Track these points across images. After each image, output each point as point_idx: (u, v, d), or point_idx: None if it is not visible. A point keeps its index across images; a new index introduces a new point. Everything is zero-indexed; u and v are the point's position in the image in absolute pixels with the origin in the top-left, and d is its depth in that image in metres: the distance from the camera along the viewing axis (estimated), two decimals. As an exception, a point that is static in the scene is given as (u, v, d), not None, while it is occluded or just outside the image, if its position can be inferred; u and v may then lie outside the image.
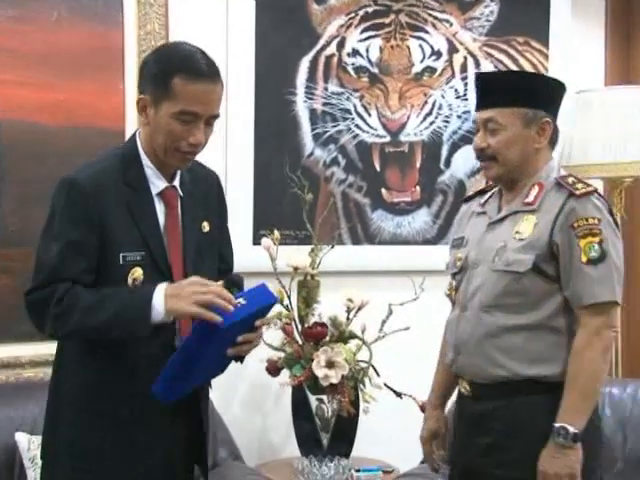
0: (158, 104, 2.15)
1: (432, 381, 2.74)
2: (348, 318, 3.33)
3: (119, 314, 2.08)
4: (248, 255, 3.45)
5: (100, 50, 3.30)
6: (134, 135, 2.27)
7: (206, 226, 2.33)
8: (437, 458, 2.69)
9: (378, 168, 3.78)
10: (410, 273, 3.45)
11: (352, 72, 3.72)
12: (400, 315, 3.33)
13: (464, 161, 3.89)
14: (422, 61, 3.83)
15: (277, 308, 3.30)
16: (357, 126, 3.73)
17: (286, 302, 3.32)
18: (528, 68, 3.96)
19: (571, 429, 2.32)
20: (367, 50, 3.73)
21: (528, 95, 2.47)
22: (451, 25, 3.87)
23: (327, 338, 3.29)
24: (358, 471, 3.25)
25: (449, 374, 2.65)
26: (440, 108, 3.84)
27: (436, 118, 3.83)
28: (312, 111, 3.66)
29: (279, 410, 3.57)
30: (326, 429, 3.32)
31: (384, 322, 3.35)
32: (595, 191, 2.43)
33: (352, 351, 3.28)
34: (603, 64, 4.19)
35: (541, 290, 2.41)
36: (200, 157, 3.31)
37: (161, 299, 2.07)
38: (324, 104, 3.67)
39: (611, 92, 3.82)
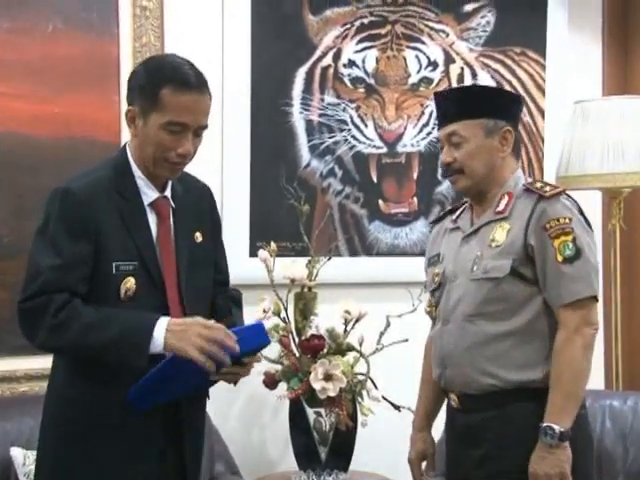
0: (147, 115, 2.16)
1: (416, 403, 2.77)
2: (346, 330, 3.31)
3: (117, 339, 2.07)
4: (245, 267, 3.45)
5: (95, 62, 3.29)
6: (124, 146, 2.27)
7: (199, 237, 2.32)
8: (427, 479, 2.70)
9: (375, 179, 3.78)
10: (408, 285, 3.42)
11: (348, 83, 3.71)
12: (398, 327, 3.32)
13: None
14: (418, 72, 3.82)
15: (274, 320, 3.29)
16: (354, 137, 3.72)
17: (283, 314, 3.30)
18: (525, 78, 3.96)
19: (557, 428, 2.34)
20: (363, 61, 3.73)
21: (486, 106, 2.53)
22: (447, 36, 3.86)
23: (324, 350, 3.27)
24: (357, 485, 3.24)
25: (433, 393, 2.69)
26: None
27: (433, 129, 3.81)
28: (308, 122, 3.65)
29: (276, 423, 3.54)
30: (324, 443, 3.30)
31: (382, 334, 3.34)
32: (563, 191, 2.48)
33: (350, 364, 3.27)
34: (601, 74, 4.18)
35: (521, 294, 2.44)
36: (196, 168, 3.31)
37: (162, 332, 2.06)
38: (320, 115, 3.67)
39: (609, 102, 3.81)
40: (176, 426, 2.22)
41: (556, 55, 4.00)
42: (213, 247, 2.40)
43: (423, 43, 3.82)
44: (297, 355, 3.28)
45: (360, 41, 3.72)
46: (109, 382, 2.14)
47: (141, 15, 3.35)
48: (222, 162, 3.51)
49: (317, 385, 3.15)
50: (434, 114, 3.81)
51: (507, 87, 3.90)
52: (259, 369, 3.21)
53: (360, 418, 3.28)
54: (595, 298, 2.44)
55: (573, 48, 4.06)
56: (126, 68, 3.31)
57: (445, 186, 3.87)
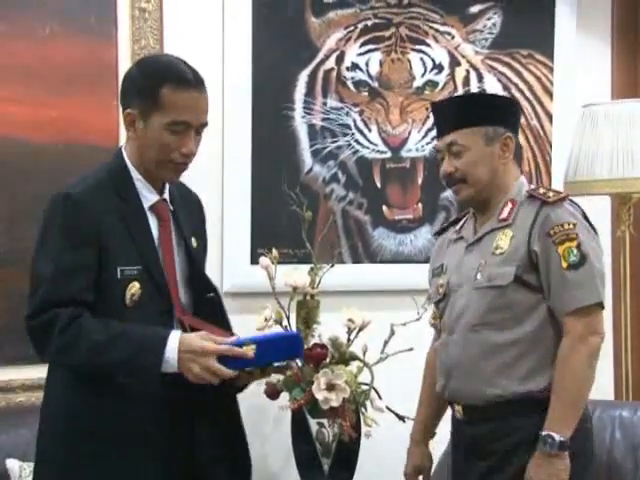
0: (147, 117, 2.15)
1: (415, 416, 2.78)
2: (349, 339, 3.27)
3: (129, 359, 2.07)
4: (246, 274, 3.46)
5: (93, 65, 3.25)
6: (119, 151, 2.25)
7: (194, 242, 2.31)
8: None
9: (379, 185, 3.73)
10: (412, 292, 3.38)
11: (352, 86, 3.67)
12: (402, 336, 3.27)
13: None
14: (423, 75, 3.78)
15: (276, 329, 3.25)
16: (357, 142, 3.68)
17: (285, 323, 3.26)
18: (532, 81, 3.93)
19: (557, 437, 2.32)
20: (367, 64, 3.69)
21: (485, 113, 2.53)
22: (453, 38, 3.83)
23: (327, 360, 3.23)
24: (360, 497, 3.20)
25: (433, 407, 2.71)
26: (442, 123, 3.79)
27: (438, 133, 3.78)
28: (311, 126, 3.61)
29: (278, 434, 3.50)
30: (327, 454, 3.26)
31: (386, 343, 3.29)
32: (567, 197, 2.47)
33: (353, 373, 3.23)
34: (609, 77, 4.14)
35: (525, 302, 2.42)
36: (196, 173, 3.26)
37: (174, 354, 2.06)
38: (323, 119, 3.63)
39: (618, 106, 3.76)
40: (186, 427, 2.22)
41: (564, 58, 3.96)
42: (203, 257, 2.40)
43: (428, 46, 3.79)
44: (299, 364, 3.24)
45: (364, 44, 3.68)
46: (112, 391, 2.13)
47: (140, 17, 3.31)
48: (223, 167, 3.47)
49: (320, 395, 3.11)
50: (439, 119, 3.79)
51: (514, 90, 3.89)
52: (260, 379, 3.19)
53: (364, 429, 3.24)
54: (600, 305, 2.40)
55: (581, 50, 4.02)
56: (125, 71, 3.26)
57: (450, 192, 3.81)
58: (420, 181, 3.79)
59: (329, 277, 3.38)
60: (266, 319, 3.21)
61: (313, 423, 3.25)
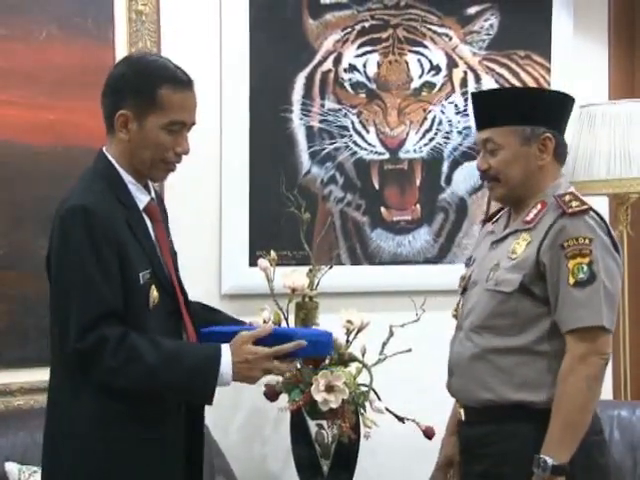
0: (143, 117, 2.14)
1: (453, 407, 2.67)
2: (348, 340, 3.27)
3: (185, 381, 2.07)
4: (244, 276, 3.45)
5: (91, 68, 3.22)
6: (103, 155, 2.21)
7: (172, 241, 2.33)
8: None
9: (377, 186, 3.72)
10: (411, 293, 3.40)
11: (349, 88, 3.67)
12: (401, 337, 3.27)
13: (465, 178, 3.83)
14: (421, 76, 3.77)
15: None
16: (355, 143, 3.67)
17: (284, 325, 3.26)
18: (530, 82, 3.91)
19: (550, 461, 2.25)
20: (364, 65, 3.68)
21: (524, 112, 2.43)
22: (450, 39, 3.81)
23: (326, 361, 3.22)
24: (359, 499, 3.20)
25: None
26: (440, 124, 3.79)
27: (436, 134, 3.77)
28: (308, 128, 3.60)
29: (278, 436, 3.50)
30: (326, 455, 3.26)
31: (385, 344, 3.29)
32: (589, 209, 2.36)
33: (352, 374, 3.23)
34: (607, 77, 4.13)
35: (529, 312, 2.35)
36: (195, 176, 3.27)
37: (229, 368, 2.08)
38: (321, 121, 3.62)
39: (615, 106, 3.75)
40: (194, 433, 2.24)
41: (561, 58, 3.95)
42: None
43: (425, 47, 3.78)
44: (298, 366, 3.23)
45: (361, 45, 3.68)
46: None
47: (137, 20, 3.29)
48: (221, 169, 3.46)
49: (319, 397, 3.11)
50: (437, 119, 3.79)
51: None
52: (259, 381, 3.18)
53: (363, 430, 3.23)
54: (604, 329, 2.30)
55: (579, 51, 4.01)
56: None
57: (448, 193, 3.82)
58: (418, 182, 3.78)
59: (327, 279, 3.38)
60: (264, 321, 3.20)
61: (312, 424, 3.24)
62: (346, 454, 3.26)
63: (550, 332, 2.34)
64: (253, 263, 3.39)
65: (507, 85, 3.86)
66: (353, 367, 3.26)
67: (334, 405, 3.11)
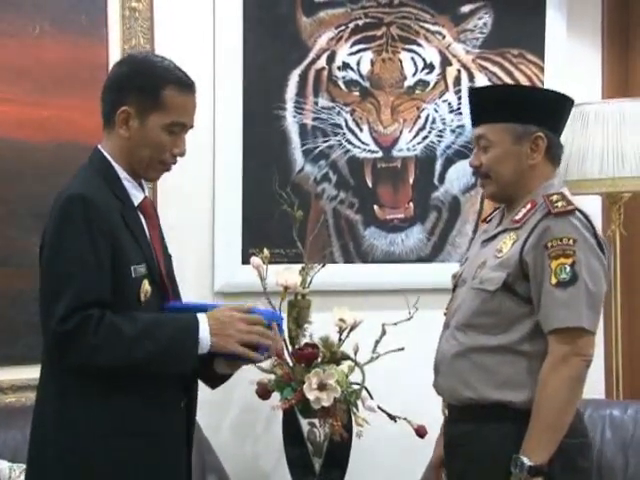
0: (145, 116, 2.15)
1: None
2: (340, 339, 3.27)
3: (166, 348, 2.07)
4: (237, 274, 3.45)
5: (84, 65, 3.22)
6: (98, 151, 2.21)
7: None
8: None
9: (370, 184, 3.72)
10: (404, 292, 3.40)
11: (343, 86, 3.66)
12: (394, 335, 3.27)
13: (458, 177, 3.83)
14: (414, 74, 3.76)
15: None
16: (348, 141, 3.67)
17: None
18: (523, 81, 3.90)
19: (527, 462, 2.24)
20: (358, 63, 3.67)
21: (518, 110, 2.42)
22: (444, 38, 3.81)
23: (319, 359, 3.23)
24: (351, 497, 3.19)
25: None
26: (433, 122, 3.79)
27: (429, 133, 3.77)
28: (302, 126, 3.59)
29: (269, 434, 3.50)
30: (318, 454, 3.25)
31: (377, 342, 3.28)
32: (575, 210, 2.35)
33: (344, 373, 3.22)
34: (600, 76, 4.13)
35: (513, 311, 2.35)
36: (188, 173, 3.26)
37: (207, 335, 2.08)
38: (314, 119, 3.61)
39: (608, 105, 3.75)
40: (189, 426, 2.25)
41: (555, 57, 3.95)
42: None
43: (419, 45, 3.77)
44: (290, 364, 3.24)
45: (355, 43, 3.67)
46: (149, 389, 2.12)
47: (130, 17, 3.28)
48: (214, 167, 3.45)
49: (311, 395, 3.10)
50: (430, 118, 3.78)
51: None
52: (251, 379, 3.19)
53: (355, 429, 3.23)
54: (584, 330, 2.29)
55: (572, 50, 4.00)
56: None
57: (442, 191, 3.82)
58: (411, 181, 3.78)
59: (320, 277, 3.37)
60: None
61: (304, 423, 3.24)
62: (338, 452, 3.26)
63: (533, 332, 2.33)
64: (246, 261, 3.39)
65: (500, 84, 3.85)
66: (345, 365, 3.26)
67: (326, 403, 3.11)
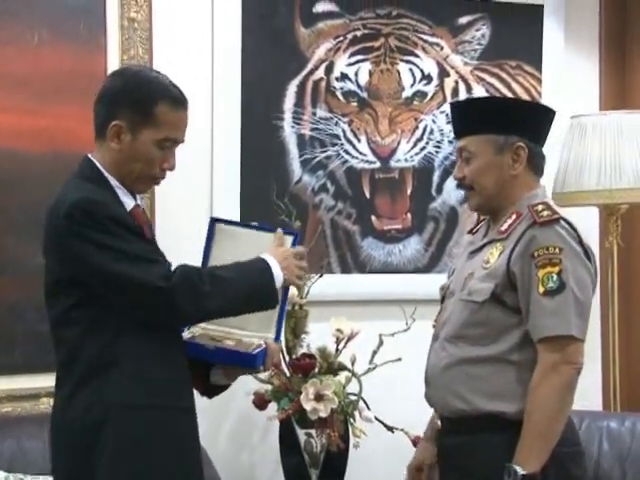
0: (137, 130, 2.15)
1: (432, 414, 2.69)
2: (337, 349, 3.27)
3: (256, 286, 2.19)
4: None
5: (82, 74, 3.22)
6: (89, 160, 2.22)
7: None
8: None
9: (368, 195, 3.72)
10: (401, 302, 3.40)
11: (341, 97, 3.66)
12: (391, 346, 3.28)
13: (456, 187, 3.81)
14: (412, 85, 3.77)
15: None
16: (346, 152, 3.67)
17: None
18: (520, 92, 3.91)
19: (520, 471, 2.24)
20: (356, 74, 3.68)
21: (499, 121, 2.44)
22: (442, 49, 3.82)
23: (316, 370, 3.23)
24: (348, 508, 3.19)
25: None
26: (431, 133, 3.79)
27: (427, 143, 3.77)
28: (300, 136, 3.60)
29: (266, 445, 3.48)
30: (315, 465, 3.25)
31: (375, 353, 3.29)
32: (560, 219, 2.36)
33: (342, 383, 3.23)
34: (597, 88, 4.13)
35: (502, 322, 2.36)
36: (186, 183, 3.25)
37: (278, 270, 2.22)
38: (312, 129, 3.61)
39: (606, 117, 3.75)
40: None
41: (552, 69, 3.95)
42: None
43: (417, 56, 3.78)
44: (287, 375, 3.24)
45: (353, 54, 3.67)
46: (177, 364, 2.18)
47: (129, 27, 3.28)
48: (212, 177, 3.45)
49: (308, 405, 3.11)
50: (428, 129, 3.79)
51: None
52: (248, 389, 3.18)
53: (352, 439, 3.23)
54: (573, 337, 2.29)
55: (570, 61, 4.01)
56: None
57: (439, 202, 3.82)
58: (409, 191, 3.78)
59: (318, 287, 3.37)
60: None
61: (301, 433, 3.24)
62: (335, 463, 3.26)
63: (523, 342, 2.34)
64: (243, 271, 3.38)
65: (498, 95, 3.85)
66: (342, 376, 3.26)
67: (323, 414, 3.11)
